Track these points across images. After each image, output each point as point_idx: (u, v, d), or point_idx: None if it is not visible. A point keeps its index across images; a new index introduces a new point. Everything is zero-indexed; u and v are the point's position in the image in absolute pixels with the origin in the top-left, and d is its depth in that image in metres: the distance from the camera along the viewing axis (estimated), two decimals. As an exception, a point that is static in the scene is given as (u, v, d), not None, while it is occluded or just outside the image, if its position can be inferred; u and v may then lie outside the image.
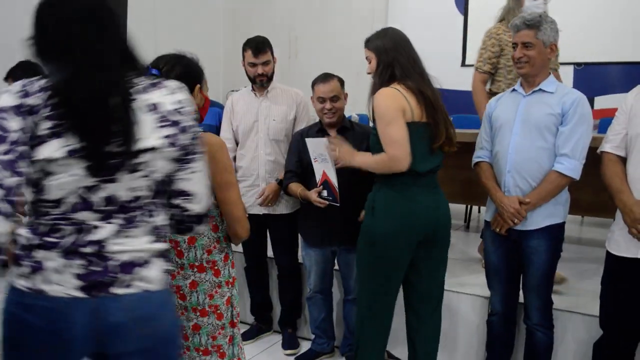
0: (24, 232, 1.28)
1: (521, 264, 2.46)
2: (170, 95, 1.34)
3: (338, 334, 3.20)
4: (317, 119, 2.93)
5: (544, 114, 2.34)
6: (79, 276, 1.25)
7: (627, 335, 2.26)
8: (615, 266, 2.24)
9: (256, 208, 3.12)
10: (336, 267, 3.08)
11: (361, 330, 2.47)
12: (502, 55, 3.23)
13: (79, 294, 1.25)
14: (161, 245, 1.36)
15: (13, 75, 2.84)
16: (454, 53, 6.17)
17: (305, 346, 3.26)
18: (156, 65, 1.77)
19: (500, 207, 2.41)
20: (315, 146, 2.61)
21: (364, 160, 2.37)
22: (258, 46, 3.06)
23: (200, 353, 1.91)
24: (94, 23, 1.29)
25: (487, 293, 2.65)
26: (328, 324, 3.13)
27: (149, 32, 6.41)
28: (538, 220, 2.38)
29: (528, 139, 2.37)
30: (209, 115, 3.27)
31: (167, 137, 1.30)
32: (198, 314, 1.88)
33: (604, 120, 4.44)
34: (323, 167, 2.61)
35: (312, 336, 3.20)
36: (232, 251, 2.00)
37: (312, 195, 2.72)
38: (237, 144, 3.18)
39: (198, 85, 1.85)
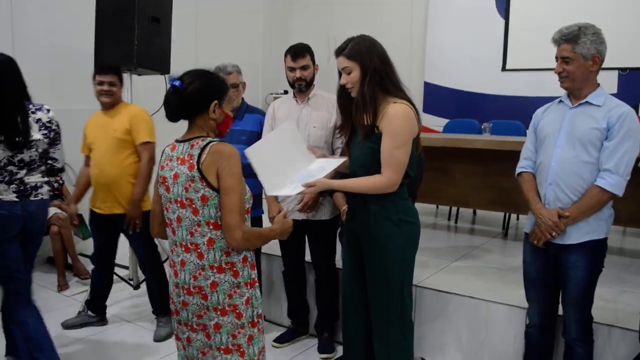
0: None
1: (560, 278, 2.44)
2: (46, 114, 2.84)
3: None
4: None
5: (589, 127, 2.30)
6: (14, 192, 2.72)
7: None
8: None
9: (296, 214, 3.17)
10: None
11: (401, 345, 2.48)
12: None
13: (16, 199, 2.73)
14: (46, 179, 2.89)
15: None
16: (494, 57, 6.12)
17: (341, 351, 3.28)
18: (181, 77, 1.96)
19: (538, 218, 2.40)
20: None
21: (345, 183, 2.35)
22: (297, 51, 3.13)
23: (222, 352, 1.98)
24: (8, 82, 2.71)
25: (525, 304, 2.63)
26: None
27: (190, 39, 6.55)
28: (578, 235, 2.35)
29: (571, 152, 2.34)
30: (251, 121, 3.35)
31: (43, 134, 2.80)
32: (219, 313, 1.96)
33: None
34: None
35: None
36: (252, 253, 2.06)
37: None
38: (277, 150, 3.23)
39: (214, 102, 1.98)
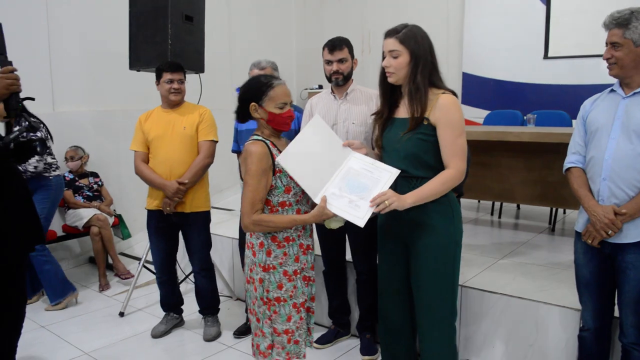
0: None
1: (615, 279, 2.31)
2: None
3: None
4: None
5: None
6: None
7: None
8: None
9: (335, 213, 3.09)
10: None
11: (449, 343, 2.44)
12: None
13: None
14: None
15: None
16: (535, 45, 5.91)
17: (384, 352, 3.21)
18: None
19: (593, 216, 2.27)
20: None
21: (421, 194, 2.19)
22: (334, 43, 3.05)
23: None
24: None
25: (578, 304, 2.51)
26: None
27: (224, 36, 6.52)
28: (635, 233, 2.21)
29: (627, 145, 2.20)
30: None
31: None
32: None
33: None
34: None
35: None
36: (270, 241, 2.23)
37: None
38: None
39: (252, 104, 2.23)
